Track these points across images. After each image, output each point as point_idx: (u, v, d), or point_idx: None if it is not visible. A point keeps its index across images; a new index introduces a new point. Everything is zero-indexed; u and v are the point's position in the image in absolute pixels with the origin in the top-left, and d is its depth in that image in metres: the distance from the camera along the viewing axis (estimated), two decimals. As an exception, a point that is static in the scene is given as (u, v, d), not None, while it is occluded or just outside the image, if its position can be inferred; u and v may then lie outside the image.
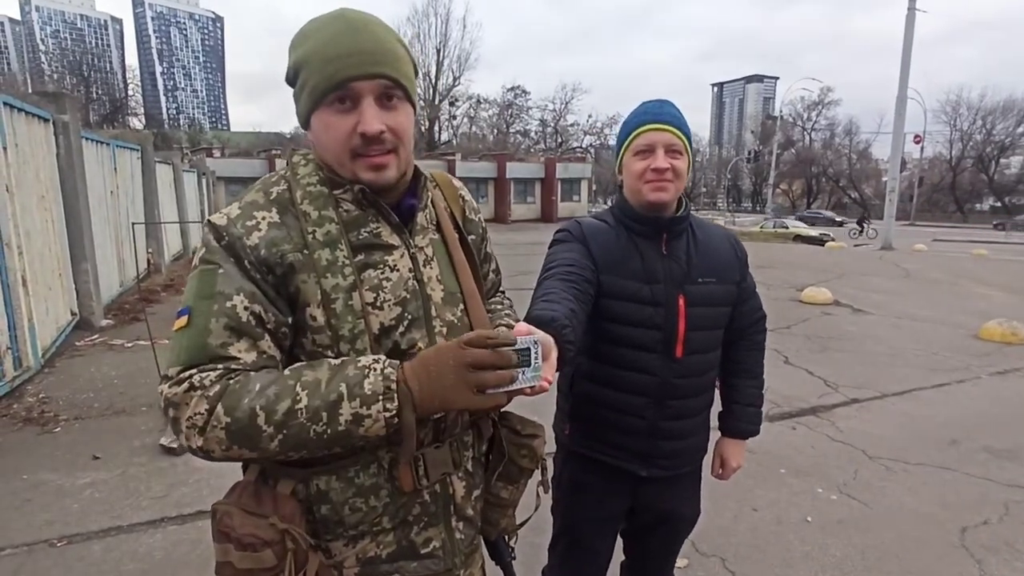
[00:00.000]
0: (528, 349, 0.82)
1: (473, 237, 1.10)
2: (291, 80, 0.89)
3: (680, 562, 2.41)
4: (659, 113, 1.38)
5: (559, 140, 53.74)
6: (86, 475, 3.19)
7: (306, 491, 0.88)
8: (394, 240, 0.93)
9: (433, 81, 47.52)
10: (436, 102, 48.36)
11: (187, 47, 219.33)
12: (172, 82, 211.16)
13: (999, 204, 55.27)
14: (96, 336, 6.08)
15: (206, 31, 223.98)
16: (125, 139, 9.36)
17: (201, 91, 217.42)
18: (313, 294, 0.86)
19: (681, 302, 1.41)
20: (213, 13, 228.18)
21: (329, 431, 0.78)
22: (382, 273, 0.90)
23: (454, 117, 51.86)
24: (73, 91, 35.74)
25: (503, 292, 1.25)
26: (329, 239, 0.87)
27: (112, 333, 6.24)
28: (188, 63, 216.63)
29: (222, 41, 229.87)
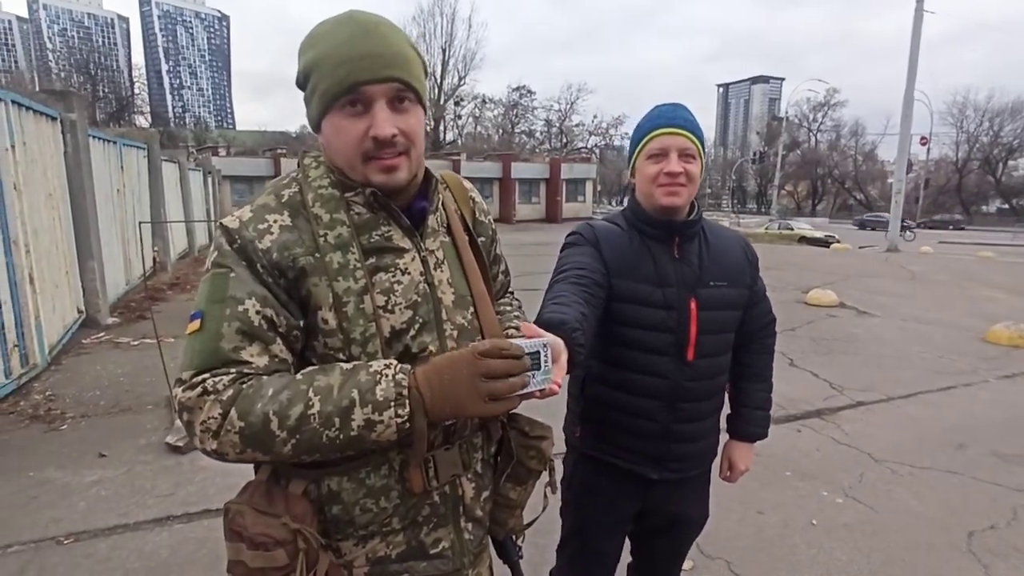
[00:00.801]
0: (538, 352, 0.83)
1: (483, 239, 1.10)
2: (302, 84, 0.89)
3: (685, 564, 2.41)
4: (673, 117, 1.38)
5: (564, 140, 53.73)
6: (92, 473, 3.20)
7: (317, 491, 0.89)
8: (405, 243, 0.93)
9: (438, 81, 47.58)
10: (441, 102, 48.41)
11: (193, 46, 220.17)
12: (178, 80, 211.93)
13: (1007, 206, 55.01)
14: (102, 334, 6.10)
15: (212, 30, 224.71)
16: (131, 137, 9.41)
17: (207, 90, 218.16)
18: (325, 297, 0.86)
19: (693, 306, 1.42)
20: (219, 12, 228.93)
21: (342, 436, 0.79)
22: (393, 276, 0.90)
23: (459, 117, 51.96)
24: (80, 89, 35.94)
25: (512, 293, 1.26)
26: (341, 242, 0.88)
27: (118, 331, 6.27)
28: (194, 62, 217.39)
29: (228, 40, 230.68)
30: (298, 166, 0.96)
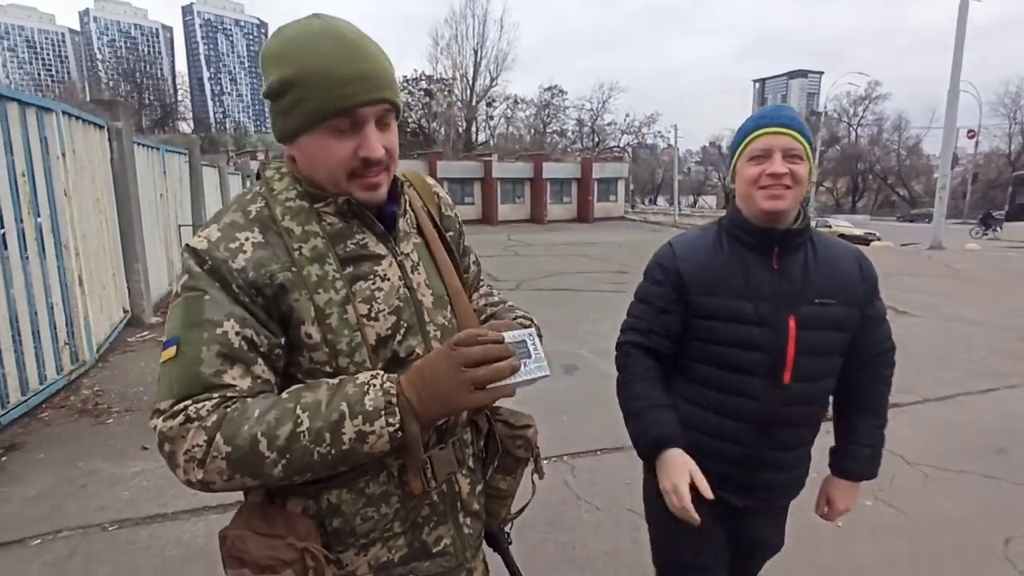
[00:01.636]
0: (524, 341, 0.86)
1: (451, 233, 1.11)
2: (276, 94, 0.85)
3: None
4: (776, 116, 1.30)
5: (596, 140, 53.49)
6: (135, 464, 3.36)
7: (316, 507, 0.89)
8: (381, 249, 0.93)
9: (470, 82, 47.91)
10: (473, 103, 48.69)
11: (233, 52, 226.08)
12: (219, 87, 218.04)
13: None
14: (146, 333, 6.37)
15: (251, 37, 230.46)
16: (174, 143, 9.77)
17: (246, 95, 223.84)
18: (307, 311, 0.85)
19: (791, 323, 1.31)
20: (258, 19, 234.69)
21: (333, 451, 0.78)
22: (373, 284, 0.90)
23: (491, 118, 52.28)
24: (127, 97, 37.38)
25: (484, 282, 1.25)
26: (316, 254, 0.87)
27: (161, 330, 6.50)
28: (234, 68, 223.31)
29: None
30: (257, 179, 0.94)
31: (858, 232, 24.18)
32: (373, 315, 0.89)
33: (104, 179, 6.21)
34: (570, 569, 2.51)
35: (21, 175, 4.41)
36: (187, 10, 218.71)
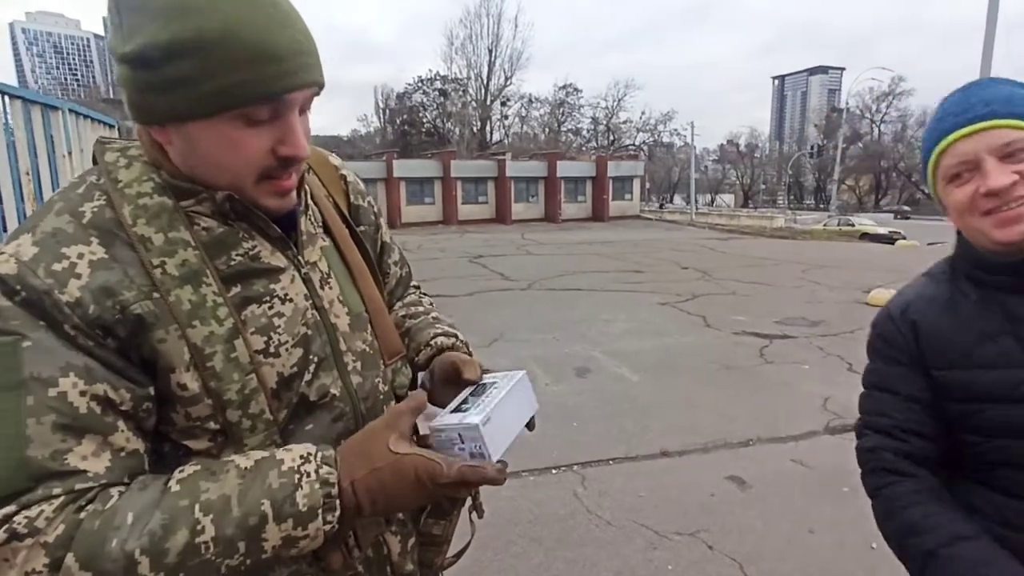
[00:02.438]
0: (503, 395, 0.73)
1: (364, 228, 0.89)
2: (158, 60, 0.58)
3: (725, 588, 2.23)
4: (968, 105, 0.90)
5: (611, 138, 53.11)
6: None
7: None
8: (278, 260, 0.71)
9: (485, 82, 47.86)
10: (488, 102, 48.65)
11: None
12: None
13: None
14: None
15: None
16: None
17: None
18: (178, 354, 0.62)
19: None
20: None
21: (249, 562, 0.59)
22: (270, 308, 0.69)
23: (506, 117, 52.16)
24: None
25: (417, 287, 1.08)
26: (188, 272, 0.64)
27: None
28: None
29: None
30: (93, 163, 0.69)
31: (882, 231, 23.65)
32: (272, 350, 0.68)
33: (112, 178, 6.18)
34: (578, 591, 2.35)
35: (25, 173, 4.36)
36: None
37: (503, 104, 50.57)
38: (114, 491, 0.57)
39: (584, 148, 50.30)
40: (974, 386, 0.93)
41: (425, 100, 50.77)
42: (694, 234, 22.03)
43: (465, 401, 0.76)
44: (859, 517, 2.83)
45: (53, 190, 4.64)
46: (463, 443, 0.69)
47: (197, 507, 0.57)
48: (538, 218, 29.94)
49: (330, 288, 0.76)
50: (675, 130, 54.77)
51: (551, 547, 2.57)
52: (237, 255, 0.68)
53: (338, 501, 0.61)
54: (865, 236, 22.74)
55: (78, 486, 0.55)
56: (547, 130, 52.95)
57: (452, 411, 0.75)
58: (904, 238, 21.76)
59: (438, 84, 49.27)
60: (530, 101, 51.99)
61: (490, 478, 0.64)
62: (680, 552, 2.53)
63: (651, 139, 54.98)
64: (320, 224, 0.79)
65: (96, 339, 0.59)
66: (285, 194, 0.68)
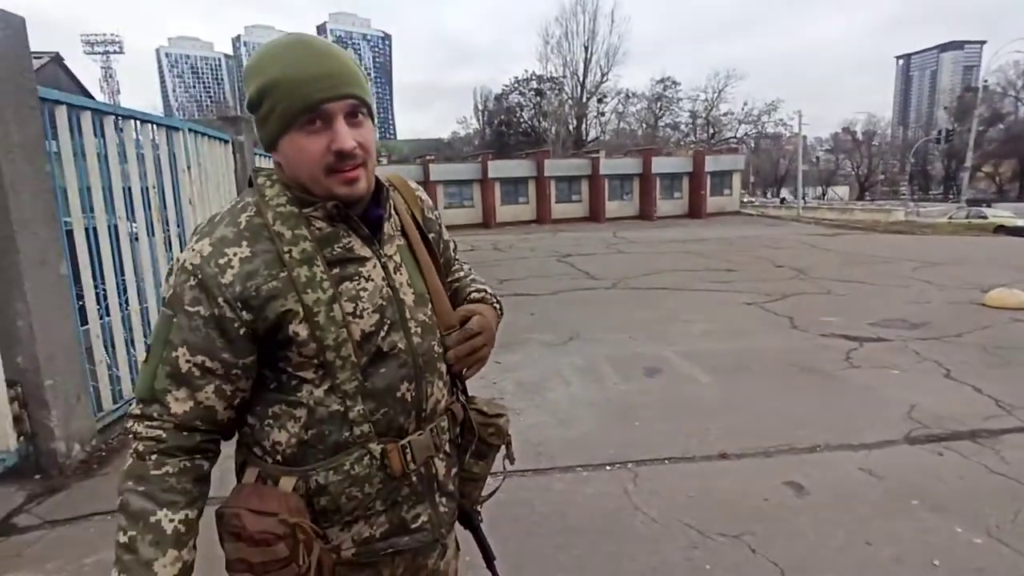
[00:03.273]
0: None
1: (433, 234, 1.17)
2: (255, 106, 0.93)
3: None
4: None
5: (711, 131, 51.00)
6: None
7: (306, 486, 0.96)
8: (365, 252, 0.99)
9: (581, 79, 47.56)
10: (584, 100, 48.34)
11: (360, 65, 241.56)
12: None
13: None
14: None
15: (377, 49, 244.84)
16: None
17: (372, 104, 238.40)
18: (295, 311, 0.92)
19: None
20: (383, 32, 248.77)
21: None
22: (358, 284, 0.97)
23: (602, 114, 51.50)
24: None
25: (458, 260, 1.36)
26: (305, 257, 0.93)
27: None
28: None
29: (390, 57, 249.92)
30: (249, 186, 1.01)
31: (1021, 223, 21.06)
32: (358, 313, 0.96)
33: (228, 188, 6.89)
34: (614, 582, 2.42)
35: (152, 187, 5.02)
36: (321, 29, 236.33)
37: (599, 101, 50.01)
38: (170, 459, 0.92)
39: (682, 143, 48.74)
40: None
41: (521, 100, 51.30)
42: (797, 230, 20.74)
43: None
44: (925, 532, 2.69)
45: (175, 202, 5.31)
46: None
47: (120, 549, 0.90)
48: (632, 216, 29.44)
49: (400, 274, 1.03)
50: (781, 120, 51.57)
51: (593, 539, 2.65)
52: (338, 247, 0.97)
53: None
54: (1001, 229, 20.33)
55: (165, 416, 0.92)
56: (644, 125, 51.79)
57: None
58: (1049, 231, 19.24)
59: (534, 84, 49.61)
60: (627, 97, 51.08)
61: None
62: (721, 553, 2.52)
63: (754, 131, 52.19)
64: (399, 229, 1.08)
65: (235, 310, 0.91)
66: (351, 183, 0.94)
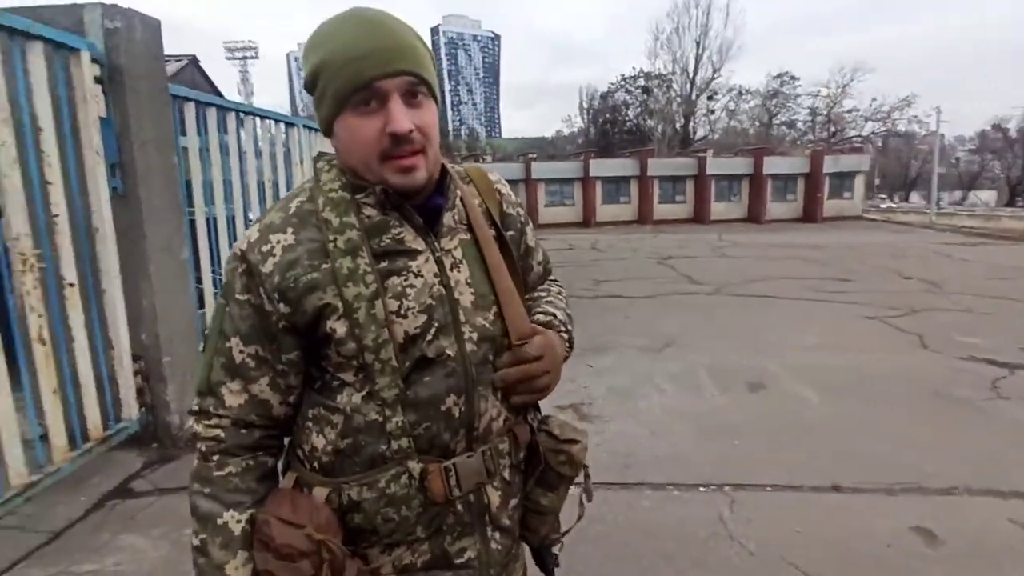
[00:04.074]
0: None
1: (512, 233, 1.05)
2: (310, 88, 0.87)
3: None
4: None
5: (832, 129, 47.31)
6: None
7: (339, 500, 0.89)
8: (418, 244, 0.90)
9: (691, 76, 45.88)
10: (693, 97, 46.60)
11: (470, 66, 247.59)
12: (457, 98, 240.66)
13: None
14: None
15: (486, 50, 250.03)
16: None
17: (480, 104, 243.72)
18: (334, 306, 0.85)
19: None
20: (493, 33, 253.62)
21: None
22: (405, 280, 0.87)
23: (711, 112, 49.34)
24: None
25: (554, 280, 1.22)
26: (350, 247, 0.85)
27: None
28: (470, 80, 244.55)
29: (498, 57, 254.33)
30: (313, 170, 0.94)
31: None
32: (402, 312, 0.86)
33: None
34: (703, 618, 2.20)
35: (268, 180, 5.32)
36: (434, 31, 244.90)
37: (709, 98, 47.97)
38: (232, 459, 0.89)
39: (799, 142, 45.65)
40: None
41: (627, 98, 50.31)
42: (930, 238, 18.73)
43: None
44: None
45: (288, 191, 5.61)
46: None
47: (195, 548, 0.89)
48: (740, 218, 27.97)
49: (458, 272, 0.92)
50: (915, 117, 46.79)
51: (682, 568, 2.45)
52: (387, 238, 0.89)
53: None
54: None
55: (220, 411, 0.88)
56: (757, 123, 49.05)
57: None
58: None
59: (641, 81, 48.45)
60: (739, 93, 48.53)
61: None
62: (831, 601, 2.23)
63: (883, 129, 47.81)
64: (464, 222, 0.96)
65: (273, 302, 0.85)
66: (406, 172, 0.85)
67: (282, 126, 5.66)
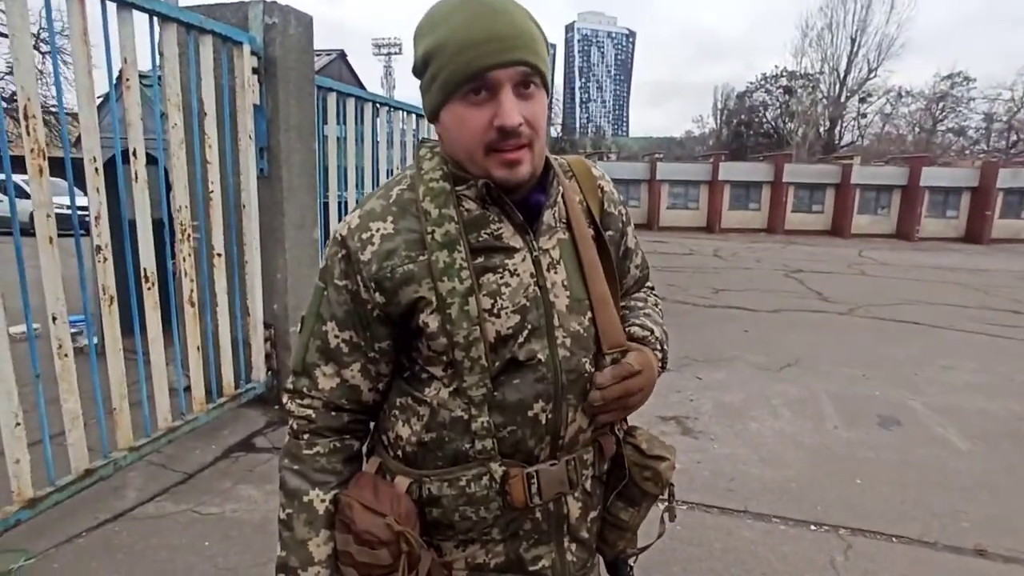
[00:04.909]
0: None
1: (611, 233, 1.00)
2: (419, 71, 0.84)
3: None
4: None
5: (1013, 139, 41.36)
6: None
7: (419, 491, 0.89)
8: (516, 242, 0.87)
9: (841, 76, 42.18)
10: (842, 99, 42.84)
11: (602, 63, 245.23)
12: (587, 95, 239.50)
13: None
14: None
15: (620, 47, 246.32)
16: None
17: (608, 101, 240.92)
18: (428, 300, 0.84)
19: None
20: (628, 30, 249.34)
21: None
22: (501, 278, 0.85)
23: (863, 115, 45.06)
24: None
25: (651, 287, 1.17)
26: (448, 240, 0.84)
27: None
28: (601, 77, 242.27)
29: (632, 54, 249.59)
30: (415, 157, 0.93)
31: None
32: (495, 311, 0.84)
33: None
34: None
35: (397, 167, 5.60)
36: (569, 27, 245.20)
37: (861, 100, 43.84)
38: (320, 439, 0.92)
39: (969, 151, 40.47)
40: None
41: (767, 99, 47.22)
42: None
43: None
44: None
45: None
46: None
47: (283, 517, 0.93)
48: (886, 234, 25.35)
49: (555, 272, 0.89)
50: None
51: (782, 609, 2.25)
52: (485, 233, 0.86)
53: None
54: None
55: (313, 392, 0.91)
56: (917, 130, 44.09)
57: None
58: None
59: (783, 81, 45.27)
60: (899, 95, 43.83)
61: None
62: None
63: (1083, 140, 40.99)
64: (563, 220, 0.92)
65: (369, 290, 0.86)
66: (511, 166, 0.82)
67: (414, 117, 5.93)
